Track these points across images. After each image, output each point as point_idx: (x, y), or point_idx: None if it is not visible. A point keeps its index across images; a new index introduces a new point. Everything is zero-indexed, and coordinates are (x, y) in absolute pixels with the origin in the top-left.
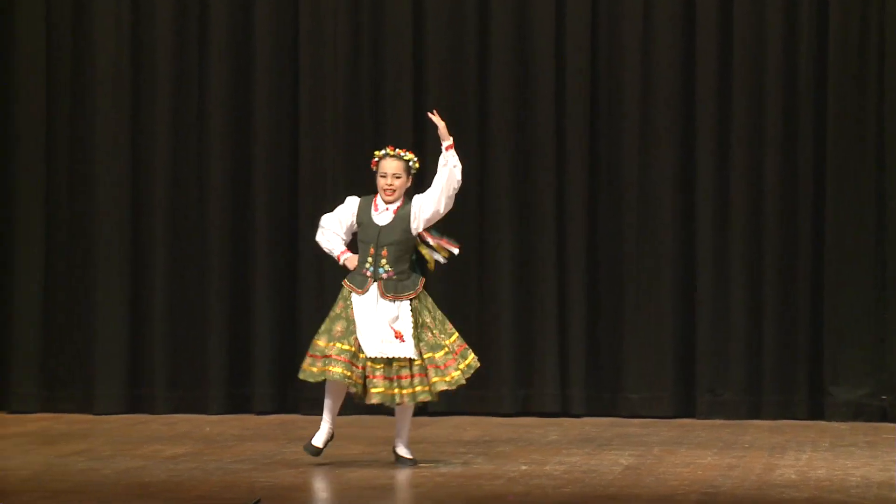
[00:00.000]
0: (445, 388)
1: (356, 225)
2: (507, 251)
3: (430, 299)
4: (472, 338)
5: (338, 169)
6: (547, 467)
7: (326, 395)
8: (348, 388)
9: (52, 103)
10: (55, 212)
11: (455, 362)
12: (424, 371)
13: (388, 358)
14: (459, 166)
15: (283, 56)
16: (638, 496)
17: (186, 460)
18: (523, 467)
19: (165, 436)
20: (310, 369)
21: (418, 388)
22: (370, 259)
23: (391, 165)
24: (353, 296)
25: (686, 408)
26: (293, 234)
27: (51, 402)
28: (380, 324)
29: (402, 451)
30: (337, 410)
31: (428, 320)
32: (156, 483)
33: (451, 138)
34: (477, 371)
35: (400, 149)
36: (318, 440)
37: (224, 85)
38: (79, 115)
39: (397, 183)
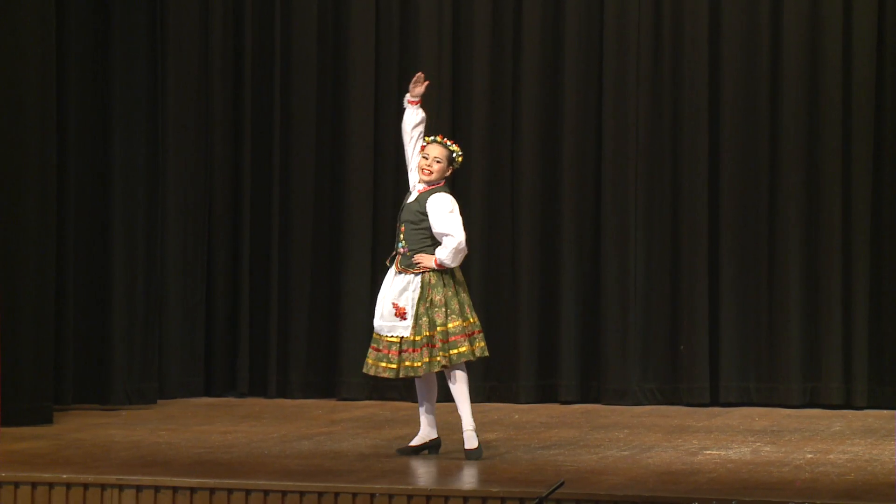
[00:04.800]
0: (427, 368)
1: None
2: (795, 252)
3: (454, 280)
4: (762, 335)
5: (640, 174)
6: (831, 456)
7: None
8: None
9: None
10: (381, 212)
11: (449, 343)
12: (419, 347)
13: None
14: (447, 257)
15: (590, 68)
16: None
17: (498, 445)
18: (809, 456)
19: (478, 422)
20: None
21: (406, 364)
22: (397, 234)
23: (434, 149)
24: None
25: None
26: (596, 239)
27: (377, 391)
28: (387, 299)
29: (468, 441)
30: (428, 407)
31: (437, 298)
32: (472, 465)
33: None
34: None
35: (450, 140)
36: (415, 441)
37: (535, 106)
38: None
39: (435, 166)
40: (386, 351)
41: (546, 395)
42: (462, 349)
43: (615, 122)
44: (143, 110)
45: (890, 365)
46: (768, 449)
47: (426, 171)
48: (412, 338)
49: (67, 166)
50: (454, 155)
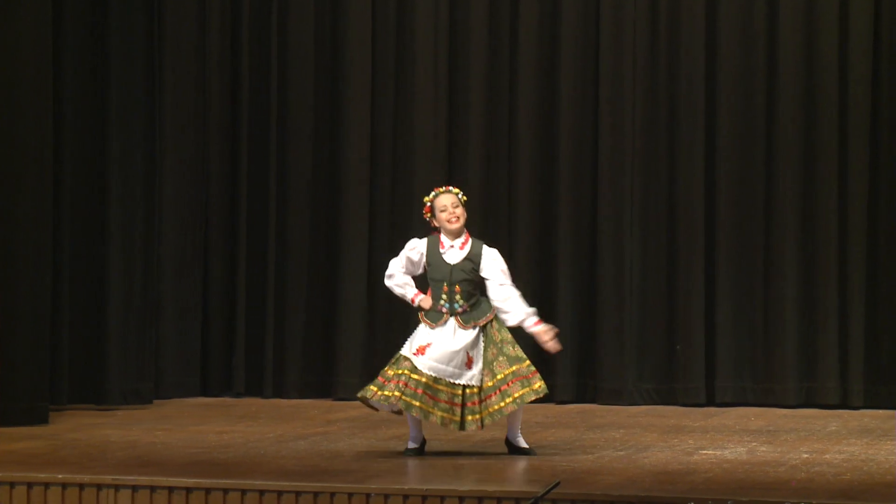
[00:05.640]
0: (511, 407)
1: (426, 265)
2: (791, 252)
3: (503, 323)
4: (758, 335)
5: (637, 172)
6: (827, 456)
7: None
8: (403, 411)
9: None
10: (378, 212)
11: (519, 383)
12: (488, 396)
13: (460, 384)
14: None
15: (586, 67)
16: None
17: (493, 445)
18: (805, 455)
19: None
20: (371, 389)
21: (494, 409)
22: (444, 296)
23: (447, 198)
24: (428, 328)
25: None
26: (593, 237)
27: None
28: (459, 351)
29: (519, 441)
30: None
31: (507, 336)
32: (468, 465)
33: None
34: (764, 368)
35: (445, 186)
36: (413, 444)
37: (532, 102)
38: (400, 130)
39: (459, 211)
40: (448, 402)
41: None
42: (541, 382)
43: (612, 120)
44: (140, 110)
45: (886, 365)
46: (764, 449)
47: (455, 220)
48: (489, 383)
49: (64, 166)
50: (460, 196)
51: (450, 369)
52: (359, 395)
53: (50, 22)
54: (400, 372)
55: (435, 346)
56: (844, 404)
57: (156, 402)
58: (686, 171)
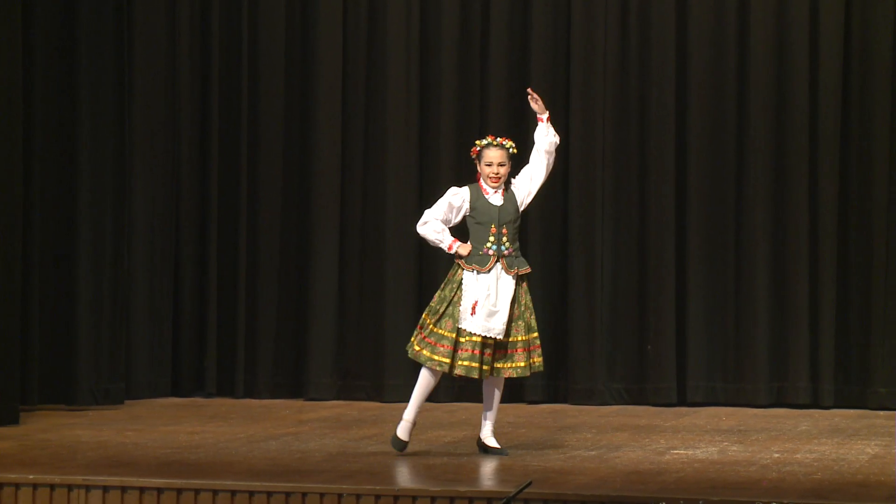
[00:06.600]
0: (517, 374)
1: (469, 210)
2: (762, 252)
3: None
4: (729, 335)
5: (608, 174)
6: (798, 455)
7: (424, 386)
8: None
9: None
10: (349, 213)
11: (526, 354)
12: (497, 351)
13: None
14: (557, 136)
15: (557, 66)
16: (884, 483)
17: (464, 445)
18: (776, 455)
19: (446, 422)
20: (414, 348)
21: (508, 365)
22: (492, 238)
23: (496, 154)
24: (472, 276)
25: None
26: (563, 238)
27: (344, 391)
28: (504, 302)
29: (491, 441)
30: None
31: (531, 303)
32: (438, 465)
33: (547, 111)
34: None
35: (500, 137)
36: (404, 434)
37: (502, 104)
38: (372, 131)
39: (502, 170)
40: (479, 352)
41: (513, 394)
42: (540, 357)
43: (582, 125)
44: (110, 110)
45: (856, 364)
46: (735, 448)
47: (495, 179)
48: (510, 339)
49: (34, 167)
50: (510, 151)
51: (498, 326)
52: (410, 355)
53: (20, 22)
54: (451, 336)
55: (483, 304)
56: (815, 404)
57: (127, 402)
58: (657, 172)
